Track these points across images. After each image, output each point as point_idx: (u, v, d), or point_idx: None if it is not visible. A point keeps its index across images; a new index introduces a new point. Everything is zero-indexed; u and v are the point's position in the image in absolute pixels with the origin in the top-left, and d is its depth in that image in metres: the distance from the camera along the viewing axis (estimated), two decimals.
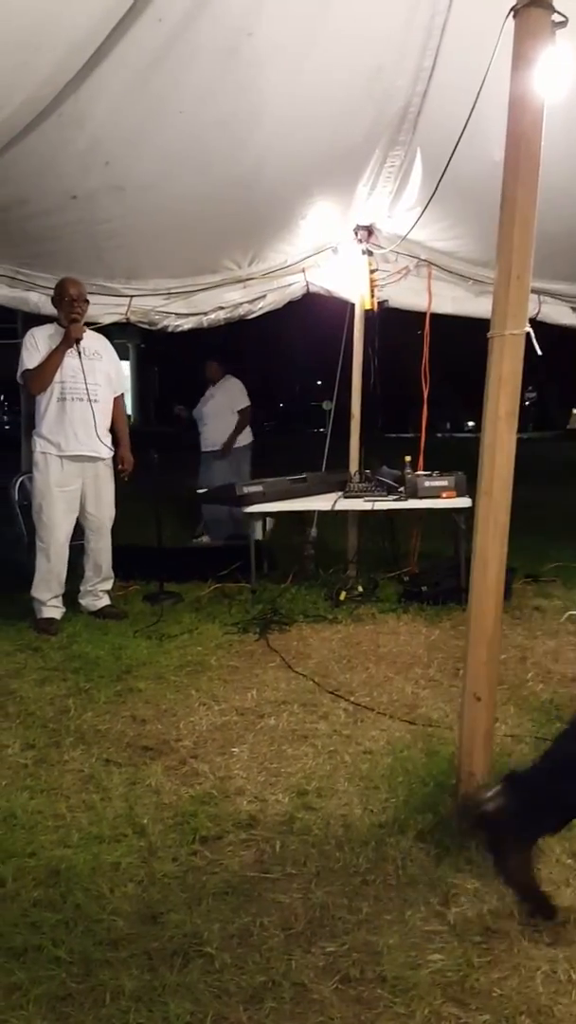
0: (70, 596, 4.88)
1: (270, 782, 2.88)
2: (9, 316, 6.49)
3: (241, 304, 5.57)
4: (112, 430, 4.91)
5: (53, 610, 4.73)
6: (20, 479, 5.49)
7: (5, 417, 25.73)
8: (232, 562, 5.67)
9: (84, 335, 4.70)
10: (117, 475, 4.96)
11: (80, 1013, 1.81)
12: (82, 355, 4.65)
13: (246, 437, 7.59)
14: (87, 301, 4.75)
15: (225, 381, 7.59)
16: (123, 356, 28.57)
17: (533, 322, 2.66)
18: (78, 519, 4.82)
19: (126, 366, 29.89)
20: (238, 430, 7.42)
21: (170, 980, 1.90)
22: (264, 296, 5.57)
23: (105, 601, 4.99)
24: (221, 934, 2.06)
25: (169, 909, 2.17)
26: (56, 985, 1.89)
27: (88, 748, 3.16)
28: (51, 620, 4.68)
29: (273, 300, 5.61)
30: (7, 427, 23.64)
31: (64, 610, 4.81)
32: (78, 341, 4.63)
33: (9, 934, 2.07)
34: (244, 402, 7.50)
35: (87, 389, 4.65)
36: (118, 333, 5.21)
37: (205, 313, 5.56)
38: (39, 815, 2.65)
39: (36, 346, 4.65)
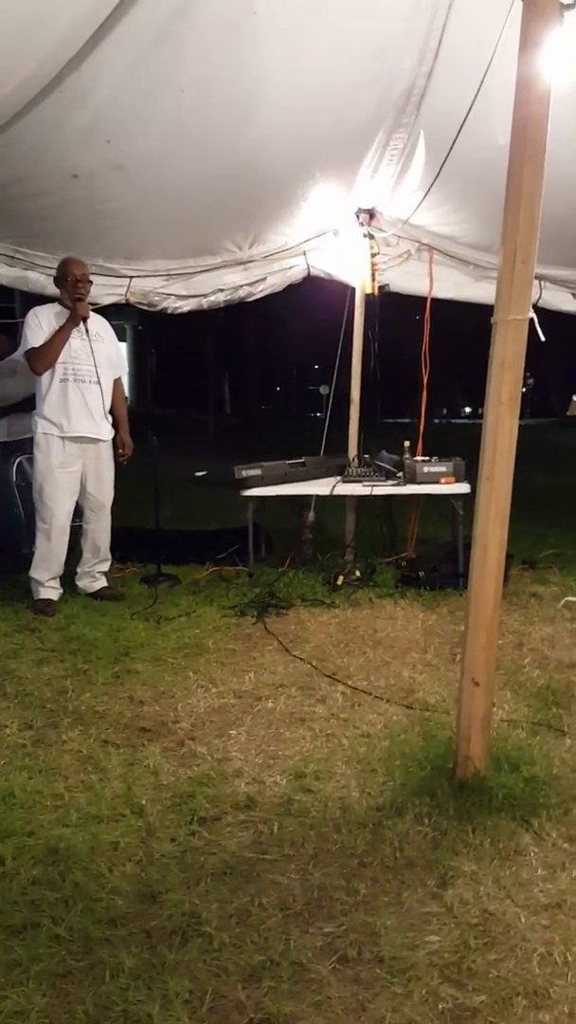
0: (67, 578, 4.88)
1: (268, 764, 2.90)
2: (7, 296, 6.47)
3: (241, 286, 5.54)
4: (111, 413, 4.89)
5: (51, 591, 4.73)
6: (19, 459, 5.47)
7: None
8: (230, 545, 5.67)
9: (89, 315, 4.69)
10: (116, 458, 4.95)
11: (80, 990, 1.83)
12: (84, 337, 4.64)
13: None
14: (91, 281, 4.73)
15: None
16: (120, 338, 28.54)
17: (534, 308, 2.66)
18: (78, 500, 4.81)
19: (123, 347, 29.76)
20: None
21: (169, 958, 1.92)
22: (264, 279, 5.54)
23: (103, 583, 4.99)
24: (220, 914, 2.08)
25: (168, 889, 2.18)
26: (56, 962, 1.91)
27: (86, 729, 3.17)
28: (48, 601, 4.68)
29: (273, 283, 5.58)
30: None
31: (62, 591, 4.80)
32: (84, 320, 4.62)
33: (9, 912, 2.08)
34: None
35: (90, 371, 4.66)
36: (115, 314, 5.17)
37: (205, 295, 5.53)
38: (38, 795, 2.66)
39: (40, 325, 4.61)
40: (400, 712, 3.35)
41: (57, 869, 2.26)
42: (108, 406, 4.83)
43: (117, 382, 4.99)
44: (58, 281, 4.71)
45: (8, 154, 3.95)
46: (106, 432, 4.82)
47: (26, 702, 3.42)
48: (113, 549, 5.08)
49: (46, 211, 4.64)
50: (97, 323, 4.82)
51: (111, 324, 5.03)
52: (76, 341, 4.63)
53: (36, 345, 4.58)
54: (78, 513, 4.88)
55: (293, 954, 1.94)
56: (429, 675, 3.78)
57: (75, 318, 4.58)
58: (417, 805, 2.57)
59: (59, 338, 4.57)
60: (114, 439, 4.92)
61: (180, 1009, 1.77)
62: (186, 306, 5.56)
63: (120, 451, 4.96)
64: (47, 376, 4.62)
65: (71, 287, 4.61)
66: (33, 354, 4.60)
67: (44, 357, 4.58)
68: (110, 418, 4.86)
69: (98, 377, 4.69)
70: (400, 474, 5.33)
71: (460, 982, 1.85)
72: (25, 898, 2.14)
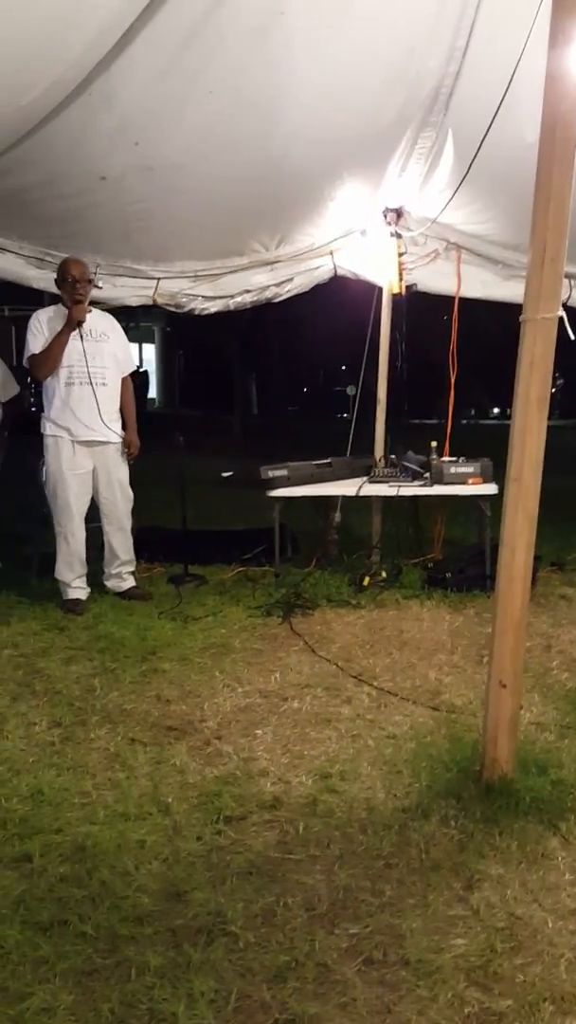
0: (95, 577, 4.91)
1: (294, 764, 2.90)
2: (37, 299, 6.52)
3: (268, 287, 5.54)
4: (120, 412, 4.86)
5: (78, 591, 4.76)
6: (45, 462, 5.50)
7: (33, 399, 25.78)
8: (256, 545, 5.68)
9: (89, 316, 4.62)
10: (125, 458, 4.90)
11: (106, 988, 1.84)
12: (86, 338, 4.59)
13: None
14: (90, 282, 4.67)
15: None
16: (148, 339, 28.64)
17: (565, 307, 2.64)
18: (95, 501, 4.83)
19: (151, 349, 29.88)
20: (4, 427, 5.59)
21: (195, 957, 1.92)
22: (291, 279, 5.54)
23: (131, 583, 5.01)
24: (245, 913, 2.08)
25: (193, 887, 2.19)
26: (82, 960, 1.92)
27: (114, 727, 3.19)
28: (77, 600, 4.71)
29: (300, 283, 5.58)
30: (35, 409, 23.71)
31: (89, 590, 4.83)
32: (80, 324, 4.56)
33: (36, 909, 2.10)
34: (13, 388, 5.63)
35: (93, 373, 4.62)
36: (144, 316, 5.19)
37: (232, 296, 5.54)
38: (65, 792, 2.68)
39: (41, 329, 4.60)
40: (426, 714, 3.34)
41: (84, 867, 2.28)
42: (117, 407, 4.82)
43: (125, 381, 4.94)
44: (58, 282, 4.69)
45: (38, 157, 3.99)
46: (114, 435, 4.78)
47: (55, 700, 3.45)
48: (140, 549, 5.10)
49: (75, 213, 4.67)
50: (103, 322, 4.80)
51: (140, 325, 5.04)
52: (78, 343, 4.58)
53: (36, 352, 4.58)
54: (98, 513, 4.89)
55: (318, 955, 1.93)
56: (456, 677, 3.76)
57: (71, 323, 4.53)
58: (443, 807, 2.56)
59: (57, 343, 4.54)
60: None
61: (205, 1008, 1.77)
62: (213, 307, 5.57)
63: (127, 451, 4.88)
64: (52, 380, 4.62)
65: (69, 288, 4.58)
66: (34, 361, 4.60)
67: (44, 364, 4.57)
68: (119, 418, 4.84)
69: (104, 379, 4.68)
70: (427, 475, 5.30)
71: (486, 986, 1.84)
72: (52, 895, 2.16)
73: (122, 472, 4.87)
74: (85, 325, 4.59)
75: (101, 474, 4.78)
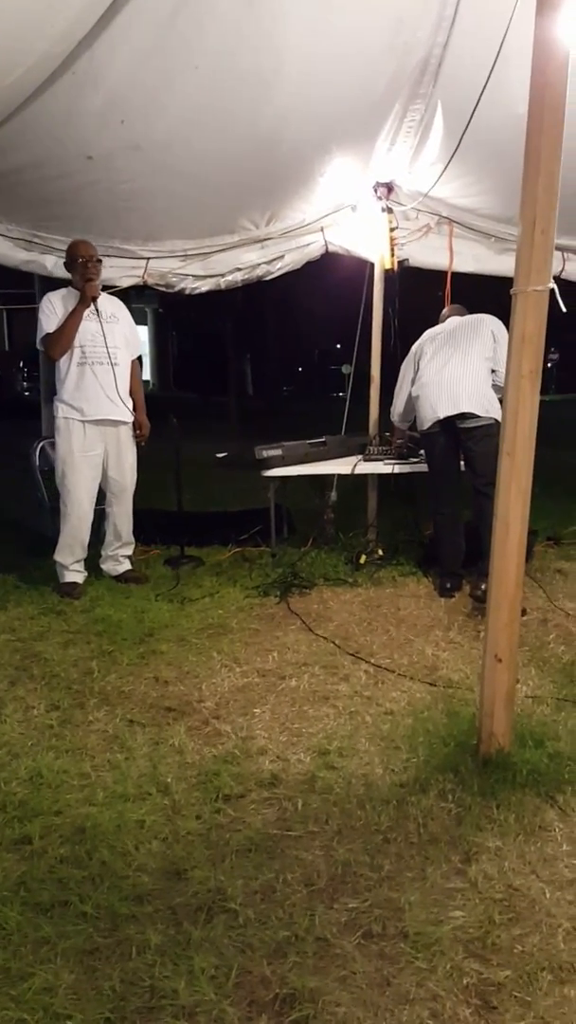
0: (91, 561, 4.91)
1: (292, 742, 2.91)
2: (26, 281, 6.47)
3: (259, 265, 5.49)
4: (129, 395, 4.88)
5: (76, 574, 4.76)
6: (41, 444, 5.50)
7: (25, 383, 25.67)
8: (252, 526, 5.67)
9: (100, 296, 4.66)
10: (135, 439, 4.94)
11: (107, 967, 1.85)
12: (100, 317, 4.63)
13: None
14: (99, 261, 4.69)
15: None
16: (141, 321, 28.43)
17: (558, 280, 2.61)
18: (100, 484, 4.82)
19: (144, 331, 29.69)
20: None
21: (195, 935, 1.93)
22: (282, 256, 5.48)
23: (126, 566, 5.01)
24: (245, 890, 2.10)
25: (193, 866, 2.20)
26: (83, 939, 1.93)
27: (112, 709, 3.20)
28: (74, 584, 4.71)
29: (291, 260, 5.52)
30: (27, 393, 23.63)
31: (86, 574, 4.83)
32: (95, 300, 4.59)
33: (37, 890, 2.11)
34: None
35: (107, 352, 4.64)
36: (136, 297, 5.15)
37: (222, 275, 5.48)
38: (65, 774, 2.69)
39: (53, 310, 4.62)
40: (423, 689, 3.35)
41: (84, 847, 2.29)
42: (128, 387, 4.83)
43: (134, 363, 4.96)
44: (68, 264, 4.70)
45: (23, 138, 3.93)
46: (126, 414, 4.81)
47: (53, 683, 3.45)
48: (136, 532, 5.10)
49: (63, 194, 4.61)
50: (112, 304, 4.81)
51: (132, 307, 5.00)
52: (92, 324, 4.60)
53: (50, 331, 4.59)
54: (101, 497, 4.90)
55: (318, 930, 1.95)
56: (452, 652, 3.77)
57: (85, 300, 4.56)
58: (441, 781, 2.58)
59: (71, 322, 4.56)
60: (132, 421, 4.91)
61: (206, 985, 1.78)
62: (204, 286, 5.52)
63: (138, 432, 4.93)
64: (65, 361, 4.62)
65: (80, 268, 4.59)
66: (48, 340, 4.60)
67: (59, 342, 4.57)
68: (130, 401, 4.86)
69: (116, 359, 4.68)
70: (421, 452, 5.28)
71: (484, 957, 1.86)
72: (53, 876, 2.17)
73: (133, 454, 4.90)
74: (96, 304, 4.61)
75: (112, 455, 4.79)
